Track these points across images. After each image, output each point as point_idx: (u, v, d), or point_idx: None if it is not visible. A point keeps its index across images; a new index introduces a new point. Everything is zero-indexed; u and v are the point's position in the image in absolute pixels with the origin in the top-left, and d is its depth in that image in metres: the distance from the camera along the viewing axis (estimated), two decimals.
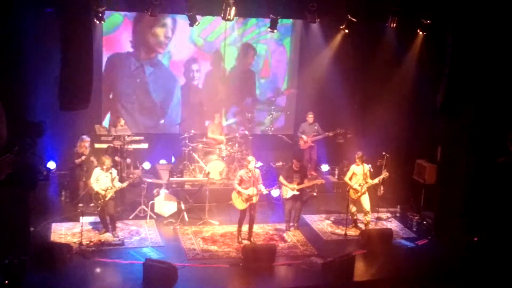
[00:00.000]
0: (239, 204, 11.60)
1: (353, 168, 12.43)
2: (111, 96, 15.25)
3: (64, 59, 9.90)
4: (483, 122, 12.04)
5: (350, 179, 12.40)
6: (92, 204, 11.85)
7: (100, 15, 11.84)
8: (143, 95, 15.50)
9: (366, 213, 12.43)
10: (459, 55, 11.38)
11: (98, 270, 10.41)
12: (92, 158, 12.62)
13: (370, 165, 12.50)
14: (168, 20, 15.15)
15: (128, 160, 13.64)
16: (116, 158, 12.95)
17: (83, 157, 12.71)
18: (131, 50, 15.21)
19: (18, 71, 10.10)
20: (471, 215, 12.07)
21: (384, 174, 12.47)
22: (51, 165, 13.82)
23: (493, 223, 11.72)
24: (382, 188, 12.82)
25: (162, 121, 15.81)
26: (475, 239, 11.65)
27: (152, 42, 15.28)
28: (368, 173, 12.36)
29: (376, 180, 12.43)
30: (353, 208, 12.51)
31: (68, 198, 13.29)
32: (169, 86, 15.69)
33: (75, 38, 9.88)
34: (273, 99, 16.28)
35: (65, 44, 9.87)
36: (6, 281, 9.03)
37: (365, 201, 12.38)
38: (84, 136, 12.94)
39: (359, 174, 12.32)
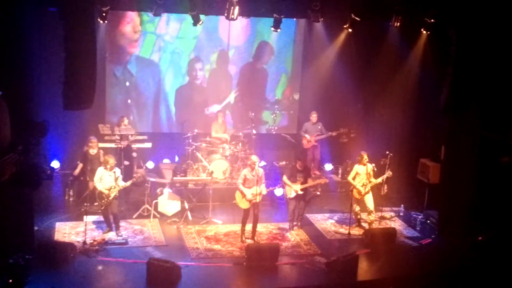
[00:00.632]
0: (243, 203, 11.60)
1: (357, 167, 12.42)
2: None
3: (67, 58, 9.92)
4: (487, 121, 12.02)
5: (354, 178, 12.38)
6: (96, 203, 11.87)
7: (104, 14, 11.84)
8: (137, 95, 15.45)
9: (369, 213, 12.42)
10: (463, 54, 11.37)
11: (101, 269, 10.42)
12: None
13: (373, 164, 12.48)
14: (133, 14, 14.81)
15: (135, 154, 13.66)
16: (126, 161, 13.06)
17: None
18: (106, 55, 14.88)
19: (21, 70, 10.11)
20: (475, 215, 12.06)
21: (388, 173, 12.46)
22: (55, 164, 13.87)
23: (498, 222, 11.71)
24: (385, 187, 12.82)
25: (163, 120, 15.82)
26: (479, 238, 11.63)
27: (124, 42, 15.04)
28: (371, 173, 12.35)
29: (379, 180, 12.41)
30: (356, 208, 12.50)
31: (72, 197, 13.32)
32: (157, 78, 15.55)
33: (79, 37, 9.91)
34: (276, 98, 16.29)
35: (68, 44, 9.90)
36: (10, 280, 9.06)
37: (369, 201, 12.37)
38: (91, 137, 13.00)
39: (362, 174, 12.31)
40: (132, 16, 14.82)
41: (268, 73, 16.21)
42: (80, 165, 12.98)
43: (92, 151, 12.79)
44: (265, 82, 16.27)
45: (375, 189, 12.61)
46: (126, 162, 13.33)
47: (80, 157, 13.16)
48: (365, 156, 12.29)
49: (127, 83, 15.30)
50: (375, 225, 12.59)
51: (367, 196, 12.36)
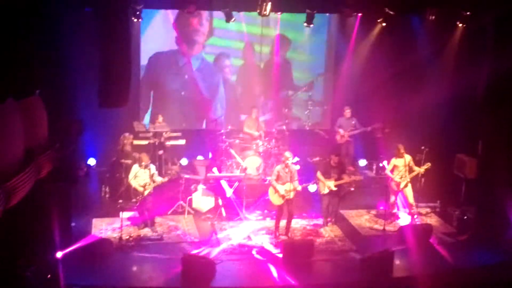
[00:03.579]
0: (276, 199, 11.60)
1: (394, 161, 12.31)
2: (151, 94, 15.35)
3: (102, 57, 10.05)
4: None
5: (392, 171, 12.28)
6: (133, 200, 12.01)
7: (138, 13, 11.96)
8: (192, 90, 15.62)
9: (410, 206, 12.29)
10: (500, 47, 11.15)
11: (137, 264, 10.56)
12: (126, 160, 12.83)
13: (411, 157, 12.35)
14: (204, 14, 15.15)
15: (161, 152, 13.65)
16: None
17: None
18: (174, 47, 15.28)
19: (58, 70, 10.28)
20: None
21: (427, 164, 12.31)
22: (91, 161, 14.08)
23: None
24: (422, 180, 12.63)
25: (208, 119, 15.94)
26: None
27: (196, 37, 15.38)
28: (411, 163, 12.22)
29: (420, 169, 12.24)
30: (392, 198, 12.37)
31: (108, 194, 13.50)
32: (215, 81, 15.78)
33: (114, 36, 10.01)
34: (310, 94, 16.21)
35: (103, 43, 10.03)
36: (49, 275, 9.24)
37: (409, 194, 12.26)
38: (126, 134, 13.18)
39: (401, 166, 12.18)
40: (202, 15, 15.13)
41: (292, 64, 16.15)
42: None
43: (126, 148, 12.95)
44: (290, 73, 16.18)
45: (412, 183, 12.45)
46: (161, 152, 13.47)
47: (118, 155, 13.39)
48: (402, 149, 12.16)
49: (186, 76, 15.56)
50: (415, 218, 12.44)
51: (406, 189, 12.24)
